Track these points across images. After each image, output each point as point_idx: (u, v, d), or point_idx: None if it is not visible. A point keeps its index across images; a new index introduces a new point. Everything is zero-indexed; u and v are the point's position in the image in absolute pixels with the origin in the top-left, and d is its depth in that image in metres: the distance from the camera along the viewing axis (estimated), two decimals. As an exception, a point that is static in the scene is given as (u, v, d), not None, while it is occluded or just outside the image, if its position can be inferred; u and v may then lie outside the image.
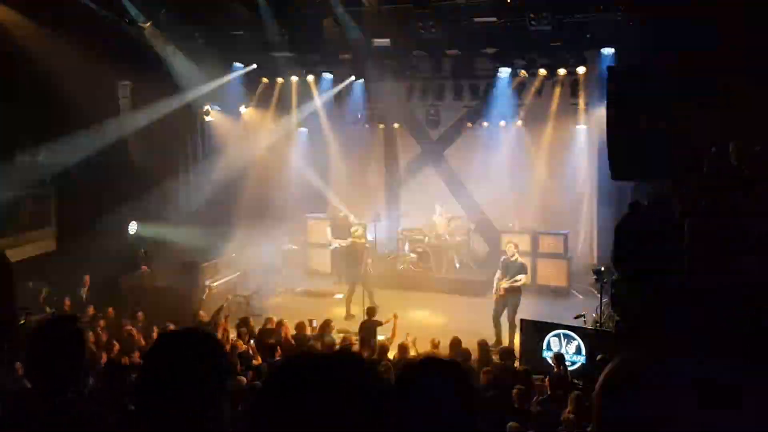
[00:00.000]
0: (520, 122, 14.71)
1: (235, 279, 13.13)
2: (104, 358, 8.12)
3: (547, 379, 7.71)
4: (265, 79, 14.69)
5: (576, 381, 8.13)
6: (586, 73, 12.73)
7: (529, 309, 10.97)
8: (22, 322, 7.81)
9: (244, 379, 7.12)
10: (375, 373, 1.27)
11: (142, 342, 9.35)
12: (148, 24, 12.00)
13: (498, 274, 10.88)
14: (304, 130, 16.21)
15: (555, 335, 9.33)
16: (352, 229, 13.03)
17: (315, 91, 14.74)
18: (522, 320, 10.16)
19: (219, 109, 14.57)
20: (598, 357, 8.09)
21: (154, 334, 9.62)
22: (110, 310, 10.66)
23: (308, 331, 9.79)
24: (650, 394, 1.10)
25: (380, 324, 9.90)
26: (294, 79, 14.52)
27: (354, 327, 10.46)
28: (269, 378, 1.30)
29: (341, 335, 9.98)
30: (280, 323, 10.00)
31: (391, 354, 8.89)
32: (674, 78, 8.29)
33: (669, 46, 8.32)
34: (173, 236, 12.94)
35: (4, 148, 10.70)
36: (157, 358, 1.72)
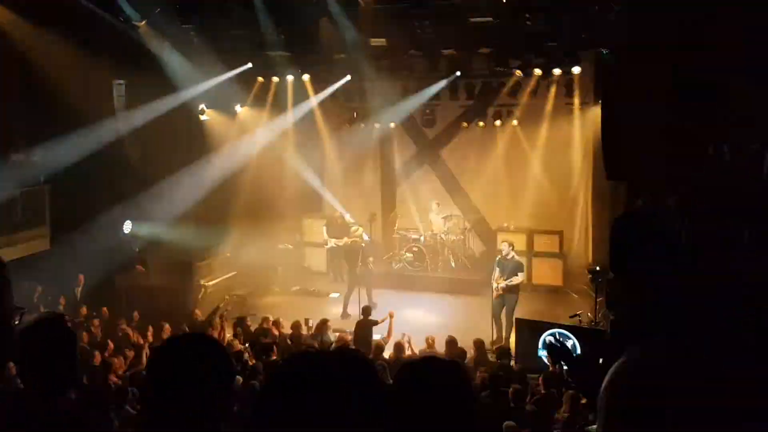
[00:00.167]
0: (515, 122, 14.73)
1: (230, 278, 13.10)
2: (98, 357, 8.09)
3: (540, 378, 7.71)
4: (260, 78, 14.64)
5: (570, 380, 8.12)
6: (581, 73, 12.75)
7: (524, 308, 10.99)
8: (17, 321, 7.75)
9: (240, 378, 7.11)
10: (376, 372, 1.27)
11: (140, 341, 9.33)
12: (143, 23, 11.94)
13: (495, 273, 10.91)
14: (299, 129, 16.17)
15: (550, 334, 9.35)
16: (353, 228, 13.02)
17: (311, 91, 14.72)
18: (517, 319, 10.18)
19: (214, 108, 14.53)
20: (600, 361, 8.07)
21: (149, 334, 9.60)
22: (104, 309, 10.64)
23: (304, 331, 9.79)
24: (656, 391, 1.10)
25: (376, 323, 9.91)
26: (290, 78, 14.47)
27: (350, 326, 10.46)
28: (271, 377, 1.30)
29: (336, 334, 9.98)
30: (276, 322, 10.00)
31: (387, 353, 8.89)
32: (670, 77, 8.30)
33: (663, 44, 8.31)
34: (168, 235, 12.90)
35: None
36: (163, 362, 1.74)
